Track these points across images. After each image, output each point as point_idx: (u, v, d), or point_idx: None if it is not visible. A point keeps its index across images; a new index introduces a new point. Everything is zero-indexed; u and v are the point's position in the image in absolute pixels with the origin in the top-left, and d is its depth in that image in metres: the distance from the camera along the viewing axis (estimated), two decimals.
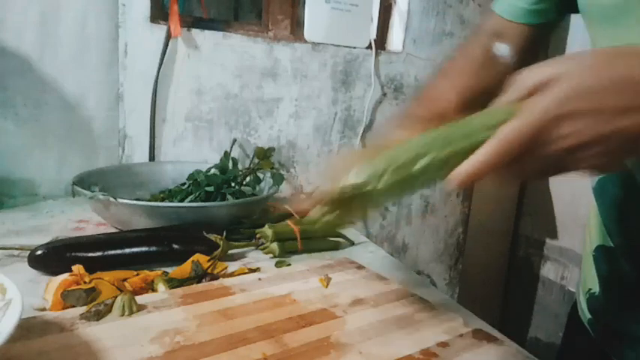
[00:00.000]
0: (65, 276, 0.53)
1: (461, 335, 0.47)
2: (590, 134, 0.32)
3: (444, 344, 0.45)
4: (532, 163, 0.34)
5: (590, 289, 0.58)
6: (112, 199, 0.69)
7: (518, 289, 1.70)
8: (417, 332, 0.47)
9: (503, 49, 0.60)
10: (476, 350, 0.45)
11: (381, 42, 1.24)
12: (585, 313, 0.59)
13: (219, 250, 0.64)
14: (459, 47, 0.64)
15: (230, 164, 0.92)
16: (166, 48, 0.98)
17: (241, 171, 0.90)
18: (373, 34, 1.21)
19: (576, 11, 0.54)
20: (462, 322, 0.49)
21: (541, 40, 0.62)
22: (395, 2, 1.24)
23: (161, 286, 0.55)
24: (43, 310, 0.50)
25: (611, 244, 0.53)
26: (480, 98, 0.58)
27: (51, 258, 0.59)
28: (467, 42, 0.65)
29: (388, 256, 0.76)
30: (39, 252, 0.59)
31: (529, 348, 0.48)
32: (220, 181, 0.84)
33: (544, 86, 0.33)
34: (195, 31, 1.01)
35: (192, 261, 0.59)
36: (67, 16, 0.89)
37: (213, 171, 0.89)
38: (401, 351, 0.43)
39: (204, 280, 0.58)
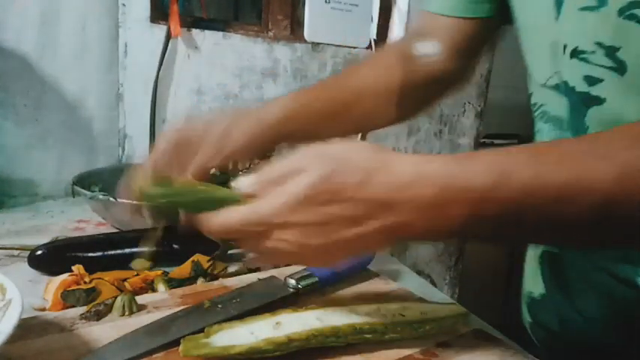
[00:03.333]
0: (65, 276, 0.53)
1: (461, 335, 0.47)
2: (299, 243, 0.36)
3: (444, 344, 0.45)
4: (262, 243, 0.38)
5: (531, 292, 0.57)
6: (112, 199, 0.69)
7: (518, 289, 1.70)
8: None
9: (426, 48, 0.59)
10: (476, 350, 0.45)
11: (381, 42, 1.24)
12: (526, 317, 0.58)
13: (219, 250, 0.64)
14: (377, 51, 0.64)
15: (230, 164, 0.91)
16: (166, 48, 0.98)
17: (241, 171, 0.90)
18: (373, 34, 1.21)
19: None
20: (462, 322, 0.49)
21: (483, 39, 0.61)
22: (395, 2, 1.24)
23: (161, 286, 0.55)
24: (43, 310, 0.50)
25: (557, 250, 0.52)
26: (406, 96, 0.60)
27: (51, 258, 0.59)
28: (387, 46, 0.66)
29: (388, 256, 0.76)
30: (39, 252, 0.59)
31: (529, 348, 0.48)
32: (220, 181, 0.84)
33: (282, 180, 0.36)
34: (195, 31, 1.01)
35: (192, 261, 0.59)
36: (67, 16, 0.89)
37: (212, 171, 0.88)
38: (401, 351, 0.43)
39: (204, 280, 0.58)
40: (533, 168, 0.32)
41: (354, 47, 1.17)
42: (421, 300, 0.52)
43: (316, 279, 0.53)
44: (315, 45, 1.12)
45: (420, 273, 1.39)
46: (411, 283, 0.63)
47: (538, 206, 0.32)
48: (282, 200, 0.35)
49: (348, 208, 0.34)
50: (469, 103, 1.36)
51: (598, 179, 0.31)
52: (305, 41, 1.11)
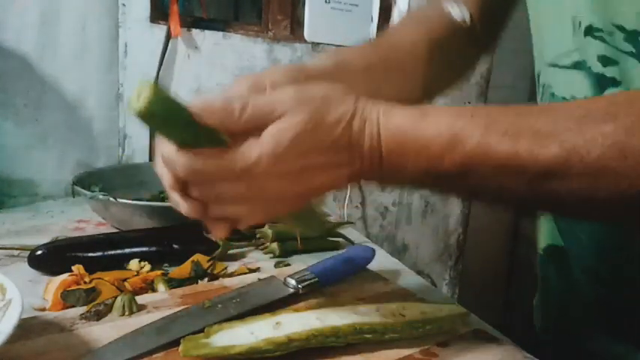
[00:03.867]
0: (65, 276, 0.53)
1: (461, 335, 0.47)
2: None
3: (444, 344, 0.45)
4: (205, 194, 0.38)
5: (543, 295, 0.57)
6: (112, 199, 0.69)
7: (518, 289, 1.70)
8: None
9: (457, 10, 0.58)
10: (476, 350, 0.45)
11: None
12: (537, 319, 0.58)
13: (219, 250, 0.64)
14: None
15: None
16: (166, 48, 0.98)
17: None
18: (373, 34, 1.21)
19: None
20: (462, 322, 0.49)
21: (503, 10, 0.60)
22: (395, 2, 1.24)
23: (161, 286, 0.55)
24: (43, 310, 0.50)
25: (562, 244, 0.51)
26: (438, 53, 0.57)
27: (51, 258, 0.59)
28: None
29: (388, 256, 0.76)
30: (39, 252, 0.59)
31: (529, 348, 0.48)
32: None
33: (262, 122, 0.35)
34: (195, 31, 1.01)
35: (192, 261, 0.59)
36: (67, 16, 0.89)
37: None
38: (401, 351, 0.43)
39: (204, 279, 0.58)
40: (481, 136, 0.35)
41: None
42: (421, 300, 0.52)
43: (316, 279, 0.53)
44: (315, 45, 1.12)
45: (420, 273, 1.39)
46: (411, 283, 0.63)
47: (481, 173, 0.35)
48: (263, 149, 0.34)
49: (326, 155, 0.36)
50: (469, 103, 1.36)
51: (538, 156, 0.33)
52: (305, 41, 1.11)
